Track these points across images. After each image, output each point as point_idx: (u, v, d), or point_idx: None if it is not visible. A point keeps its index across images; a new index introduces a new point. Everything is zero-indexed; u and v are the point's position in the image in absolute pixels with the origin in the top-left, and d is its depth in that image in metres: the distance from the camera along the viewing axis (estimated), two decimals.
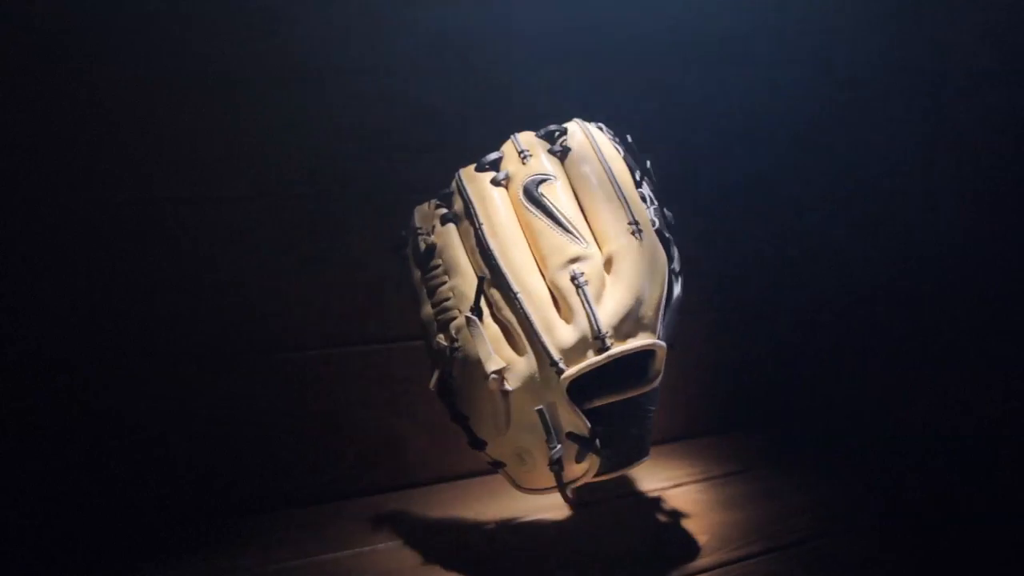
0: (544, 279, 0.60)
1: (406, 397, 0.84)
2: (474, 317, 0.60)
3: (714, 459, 0.91)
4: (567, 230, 0.60)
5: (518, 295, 0.59)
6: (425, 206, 0.67)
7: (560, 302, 0.59)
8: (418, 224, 0.67)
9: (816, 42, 1.03)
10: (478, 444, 0.64)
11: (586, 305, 0.58)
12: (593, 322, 0.57)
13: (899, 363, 1.00)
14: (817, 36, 1.03)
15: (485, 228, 0.61)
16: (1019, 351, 0.86)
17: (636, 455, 0.64)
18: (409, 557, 0.67)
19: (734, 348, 1.05)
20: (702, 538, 0.70)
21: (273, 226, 0.79)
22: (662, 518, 0.75)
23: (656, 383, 0.62)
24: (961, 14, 0.90)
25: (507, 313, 0.59)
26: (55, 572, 0.67)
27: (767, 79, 1.03)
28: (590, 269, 0.59)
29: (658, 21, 0.97)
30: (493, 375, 0.58)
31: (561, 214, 0.61)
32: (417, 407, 0.85)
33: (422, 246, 0.65)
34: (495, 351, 0.59)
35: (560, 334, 0.58)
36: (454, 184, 0.65)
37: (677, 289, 0.65)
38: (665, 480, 0.84)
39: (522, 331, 0.59)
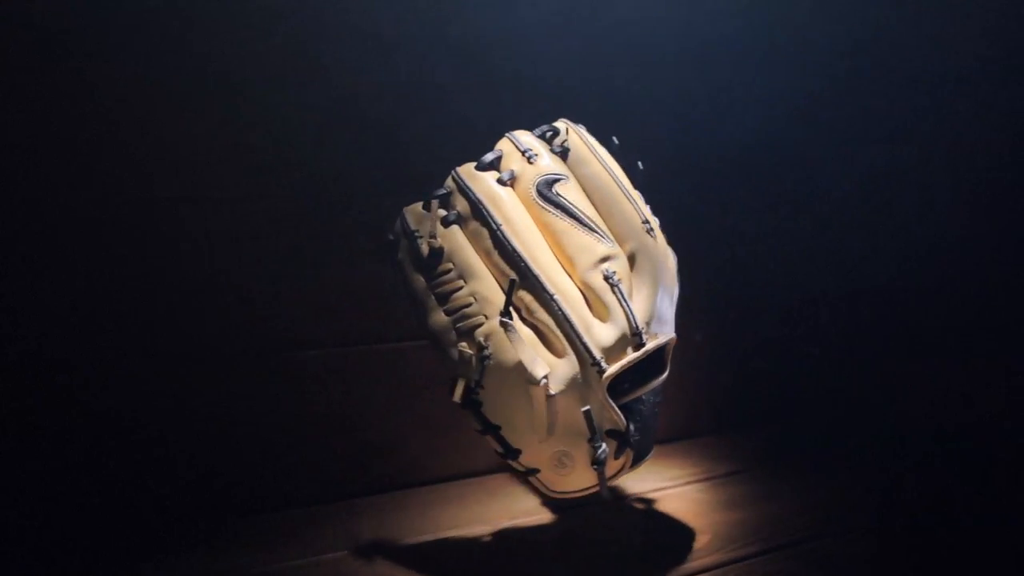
0: (572, 279, 0.60)
1: (406, 397, 0.84)
2: (511, 322, 0.58)
3: (714, 459, 0.91)
4: (592, 229, 0.61)
5: (555, 296, 0.58)
6: (417, 208, 0.64)
7: (593, 301, 0.60)
8: (413, 227, 0.63)
9: (812, 41, 1.03)
10: (512, 453, 0.62)
11: (624, 303, 0.59)
12: (631, 319, 0.59)
13: (898, 362, 1.00)
14: (812, 37, 1.03)
15: (506, 229, 0.60)
16: (1017, 350, 0.87)
17: (650, 448, 0.66)
18: (409, 557, 0.67)
19: (733, 348, 1.05)
20: (702, 538, 0.70)
21: (273, 226, 0.79)
22: (662, 518, 0.75)
23: (666, 374, 0.65)
24: (959, 11, 0.90)
25: (542, 315, 0.59)
26: (55, 572, 0.67)
27: (764, 81, 1.03)
28: (620, 268, 0.60)
29: (659, 23, 0.97)
30: (543, 379, 0.57)
31: (583, 214, 0.61)
32: (417, 407, 0.85)
33: (424, 250, 0.62)
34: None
35: (599, 333, 0.58)
36: (452, 184, 0.63)
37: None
38: (665, 480, 0.84)
39: (561, 333, 0.58)
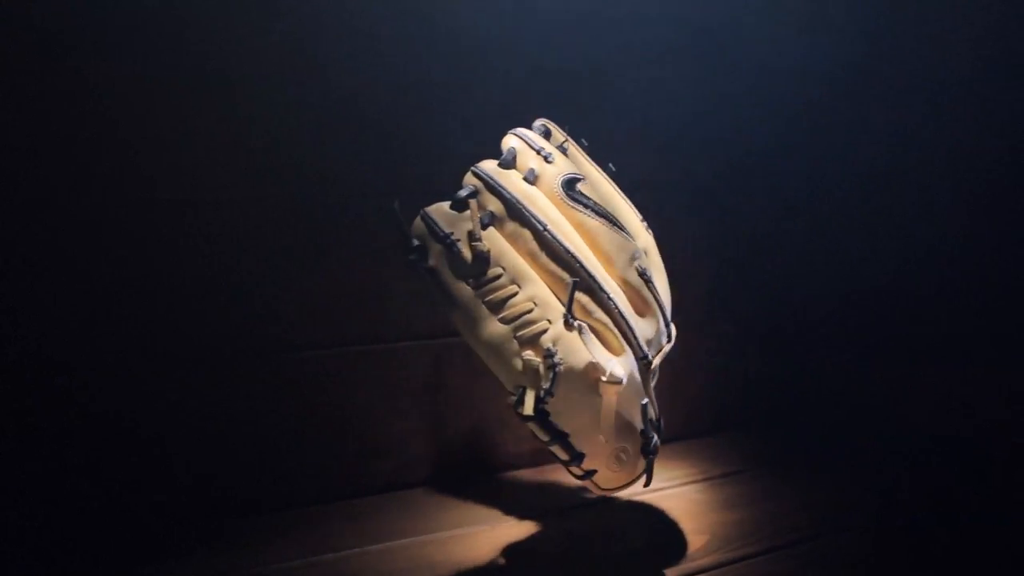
0: (611, 276, 0.61)
1: (406, 397, 0.84)
2: (584, 323, 0.57)
3: (713, 459, 0.92)
4: (620, 228, 0.61)
5: (611, 296, 0.58)
6: (444, 208, 0.59)
7: (632, 297, 0.61)
8: (448, 230, 0.58)
9: (810, 41, 1.03)
10: (577, 459, 0.61)
11: (658, 297, 0.62)
12: (664, 313, 0.62)
13: (898, 363, 1.00)
14: (811, 34, 1.03)
15: (553, 229, 0.58)
16: (1016, 352, 0.87)
17: None
18: (408, 557, 0.67)
19: (733, 348, 1.05)
20: (702, 538, 0.70)
21: (273, 227, 0.79)
22: (662, 518, 0.76)
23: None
24: (958, 13, 0.90)
25: (600, 315, 0.58)
26: (55, 574, 0.67)
27: (762, 77, 1.03)
28: (647, 264, 0.62)
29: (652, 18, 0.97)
30: (622, 378, 0.57)
31: (610, 212, 0.62)
32: (416, 407, 0.85)
33: (467, 255, 0.58)
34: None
35: (643, 328, 0.60)
36: (479, 182, 0.59)
37: None
38: (664, 480, 0.84)
39: (618, 331, 0.59)
